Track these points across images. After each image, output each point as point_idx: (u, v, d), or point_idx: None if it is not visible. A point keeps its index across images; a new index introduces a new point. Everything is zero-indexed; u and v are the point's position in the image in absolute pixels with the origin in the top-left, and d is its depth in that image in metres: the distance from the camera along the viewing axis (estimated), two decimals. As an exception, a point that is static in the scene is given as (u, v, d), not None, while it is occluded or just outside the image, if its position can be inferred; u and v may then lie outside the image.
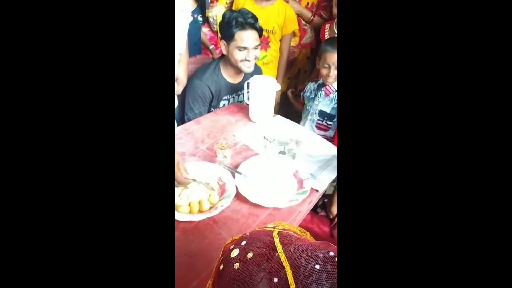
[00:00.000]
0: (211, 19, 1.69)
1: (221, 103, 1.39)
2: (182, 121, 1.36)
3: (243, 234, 0.39)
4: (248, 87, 1.20)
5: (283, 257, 0.33)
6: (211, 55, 1.68)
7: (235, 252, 0.36)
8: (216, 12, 1.71)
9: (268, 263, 0.33)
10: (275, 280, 0.32)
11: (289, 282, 0.31)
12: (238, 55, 1.22)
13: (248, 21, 1.17)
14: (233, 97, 1.44)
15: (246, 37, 1.18)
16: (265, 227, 0.40)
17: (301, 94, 1.42)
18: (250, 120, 1.23)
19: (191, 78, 1.38)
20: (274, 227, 0.39)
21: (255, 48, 1.22)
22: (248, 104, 1.24)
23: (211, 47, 1.69)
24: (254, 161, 0.97)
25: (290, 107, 1.64)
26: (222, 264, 0.36)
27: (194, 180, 0.82)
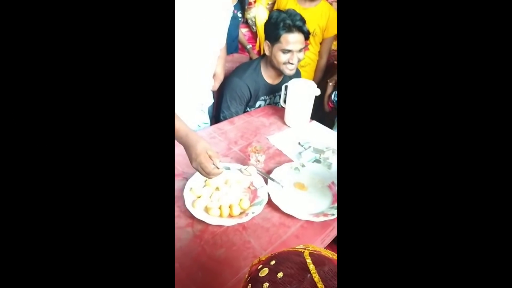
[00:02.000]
0: (249, 21, 1.67)
1: (258, 103, 1.36)
2: (215, 119, 1.35)
3: (271, 254, 0.37)
4: (286, 90, 1.16)
5: (316, 278, 0.32)
6: (248, 55, 1.66)
7: (264, 272, 0.35)
8: (255, 13, 1.69)
9: (300, 283, 0.32)
10: None
11: None
12: (281, 57, 1.19)
13: (296, 23, 1.12)
14: (270, 98, 1.41)
15: (292, 40, 1.13)
16: (294, 248, 0.38)
17: (333, 98, 1.36)
18: (284, 123, 1.19)
19: (230, 76, 1.36)
20: (305, 248, 0.37)
21: (299, 51, 1.18)
22: (283, 107, 1.20)
23: (249, 46, 1.67)
24: (288, 168, 0.93)
25: (323, 112, 1.58)
26: (249, 284, 0.35)
27: (228, 169, 0.81)
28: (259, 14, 1.67)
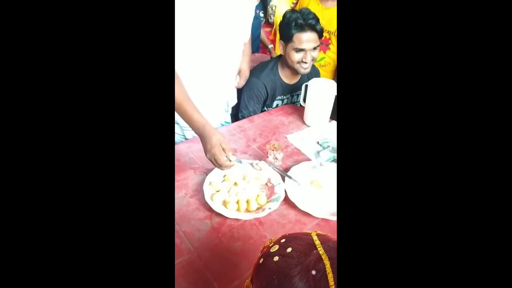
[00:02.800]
0: (269, 9, 1.68)
1: (275, 103, 1.37)
2: (235, 118, 1.38)
3: (283, 235, 0.41)
4: (306, 89, 1.17)
5: (321, 251, 0.35)
6: (269, 54, 1.68)
7: (275, 248, 0.38)
8: (277, 2, 1.69)
9: (307, 257, 0.35)
10: (313, 272, 0.33)
11: (327, 272, 0.33)
12: (295, 56, 1.19)
13: (309, 22, 1.13)
14: (287, 98, 1.42)
15: (304, 39, 1.14)
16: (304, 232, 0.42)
17: None
18: (303, 123, 1.19)
19: (249, 76, 1.38)
20: (313, 231, 0.41)
21: (313, 49, 1.18)
22: (302, 106, 1.21)
23: (270, 46, 1.69)
24: (305, 166, 0.94)
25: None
26: (261, 259, 0.38)
27: (239, 162, 0.84)
28: (280, 5, 1.67)
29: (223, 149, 0.79)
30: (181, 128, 1.12)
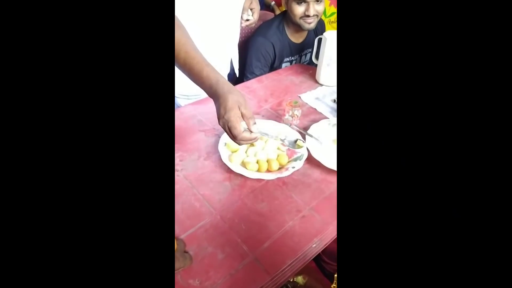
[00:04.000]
0: None
1: (283, 66, 1.28)
2: (238, 82, 1.29)
3: None
4: (319, 44, 1.07)
5: None
6: (272, 12, 1.56)
7: None
8: None
9: None
10: None
11: None
12: (297, 10, 1.10)
13: None
14: (295, 59, 1.32)
15: None
16: None
17: None
18: (316, 82, 1.11)
19: (253, 36, 1.28)
20: None
21: (317, 2, 1.08)
22: (312, 66, 1.12)
23: (272, 3, 1.56)
24: (325, 124, 0.87)
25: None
26: None
27: (266, 134, 0.67)
28: None
29: (242, 115, 0.57)
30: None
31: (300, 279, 0.83)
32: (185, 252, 0.54)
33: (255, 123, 0.59)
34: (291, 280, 0.82)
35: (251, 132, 0.59)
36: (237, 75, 1.28)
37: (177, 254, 0.50)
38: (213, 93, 0.60)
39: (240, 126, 0.57)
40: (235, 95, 0.58)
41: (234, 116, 0.56)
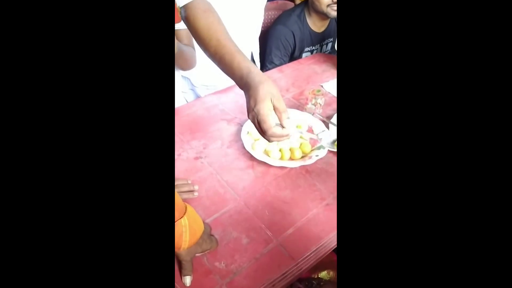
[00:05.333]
0: None
1: (303, 56, 1.26)
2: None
3: None
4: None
5: None
6: (292, 1, 1.53)
7: None
8: None
9: None
10: None
11: None
12: None
13: None
14: (316, 49, 1.30)
15: None
16: None
17: None
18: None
19: (273, 24, 1.26)
20: None
21: None
22: (334, 55, 1.10)
23: (293, -8, 1.53)
24: (349, 113, 0.85)
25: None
26: None
27: (300, 132, 0.65)
28: None
29: (274, 108, 0.51)
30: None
31: (324, 274, 0.83)
32: (211, 235, 0.56)
33: (288, 118, 0.52)
34: (315, 277, 0.81)
35: (283, 128, 0.52)
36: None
37: (204, 236, 0.51)
38: (244, 84, 0.54)
39: (270, 121, 0.50)
40: (268, 85, 0.51)
41: (264, 109, 0.50)
